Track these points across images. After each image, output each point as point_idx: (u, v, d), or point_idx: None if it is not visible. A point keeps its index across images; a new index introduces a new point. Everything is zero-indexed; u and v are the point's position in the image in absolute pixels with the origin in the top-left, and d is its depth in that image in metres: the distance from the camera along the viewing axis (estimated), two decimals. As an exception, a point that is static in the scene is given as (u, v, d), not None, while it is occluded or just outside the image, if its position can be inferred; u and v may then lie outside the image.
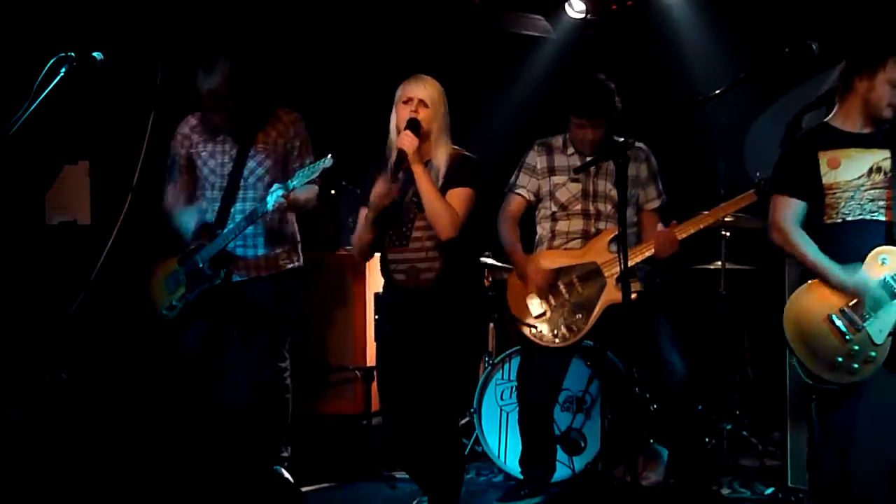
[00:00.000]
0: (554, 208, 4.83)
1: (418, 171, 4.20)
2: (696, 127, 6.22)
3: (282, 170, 4.78)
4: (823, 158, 4.10)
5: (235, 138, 4.77)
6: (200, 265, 4.69)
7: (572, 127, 4.76)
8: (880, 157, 4.08)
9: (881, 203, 4.04)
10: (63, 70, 3.86)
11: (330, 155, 4.31)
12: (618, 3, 6.93)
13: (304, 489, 5.03)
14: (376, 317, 4.98)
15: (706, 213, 4.76)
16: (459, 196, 4.27)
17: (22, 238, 5.85)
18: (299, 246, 4.97)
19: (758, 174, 4.64)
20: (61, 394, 5.35)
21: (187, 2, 5.93)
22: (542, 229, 4.91)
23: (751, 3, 6.41)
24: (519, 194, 4.90)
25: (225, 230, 4.68)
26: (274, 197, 4.45)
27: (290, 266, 4.88)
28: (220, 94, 4.59)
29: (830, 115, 4.21)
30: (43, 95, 3.81)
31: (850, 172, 4.07)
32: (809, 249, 4.06)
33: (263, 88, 4.81)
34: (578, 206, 4.78)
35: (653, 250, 4.66)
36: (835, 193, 4.08)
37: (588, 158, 4.73)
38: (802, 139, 4.25)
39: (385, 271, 4.41)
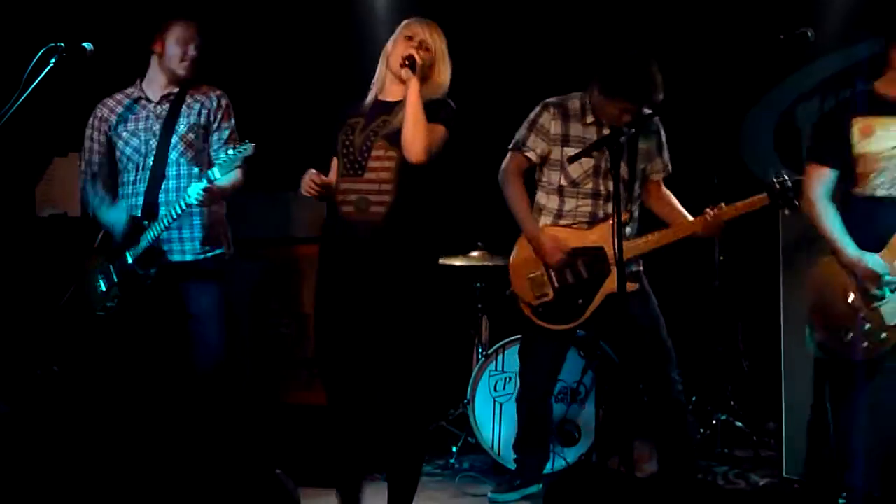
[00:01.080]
0: (563, 182, 4.66)
1: (414, 85, 3.94)
2: (690, 115, 6.20)
3: (201, 146, 4.60)
4: (857, 125, 3.97)
5: (159, 114, 4.57)
6: (130, 262, 4.48)
7: (614, 107, 4.52)
8: None
9: None
10: (53, 61, 3.83)
11: (250, 142, 4.15)
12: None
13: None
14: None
15: (755, 198, 4.57)
16: (434, 129, 4.01)
17: (12, 230, 5.83)
18: (228, 231, 4.74)
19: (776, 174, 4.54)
20: (53, 386, 5.33)
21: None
22: (547, 200, 4.72)
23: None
24: (527, 155, 4.69)
25: (153, 224, 4.43)
26: (197, 189, 4.25)
27: (217, 252, 4.65)
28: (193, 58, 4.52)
29: (878, 80, 4.06)
30: (33, 86, 3.78)
31: (883, 143, 3.93)
32: (831, 225, 3.99)
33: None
34: (590, 185, 4.63)
35: (699, 229, 4.59)
36: (866, 164, 3.95)
37: (606, 129, 4.58)
38: (839, 103, 4.16)
39: (331, 203, 4.10)
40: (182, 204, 4.30)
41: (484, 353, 5.73)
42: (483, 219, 4.87)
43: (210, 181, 4.24)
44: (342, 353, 4.08)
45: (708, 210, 4.59)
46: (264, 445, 5.06)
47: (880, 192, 3.96)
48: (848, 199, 4.04)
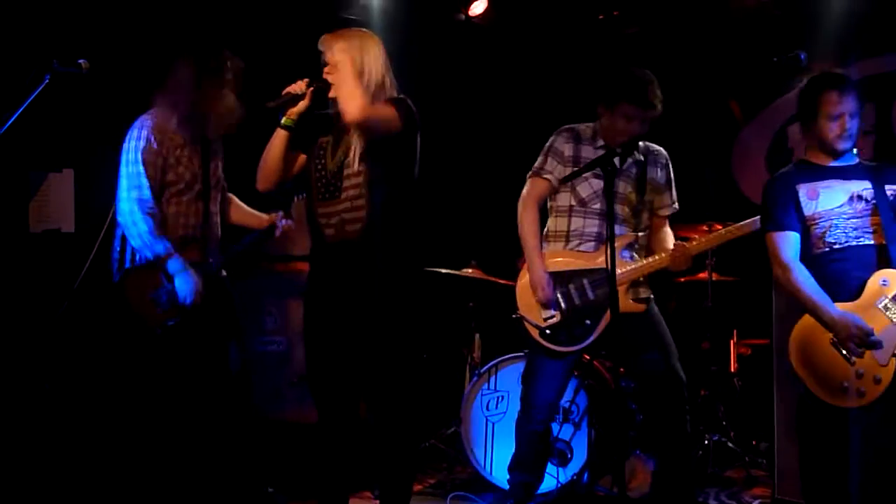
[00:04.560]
0: (573, 202, 4.67)
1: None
2: (684, 135, 6.22)
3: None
4: (802, 191, 4.17)
5: (202, 138, 4.59)
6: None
7: (619, 117, 4.56)
8: (860, 186, 4.13)
9: (867, 229, 4.08)
10: (47, 77, 3.84)
11: None
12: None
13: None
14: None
15: (722, 230, 4.68)
16: (382, 106, 4.06)
17: (5, 246, 5.81)
18: None
19: None
20: (45, 404, 5.32)
21: (171, 10, 5.91)
22: (556, 224, 4.73)
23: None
24: (547, 179, 4.69)
25: (240, 245, 4.63)
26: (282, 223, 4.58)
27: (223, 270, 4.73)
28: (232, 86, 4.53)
29: (808, 152, 4.30)
30: (27, 102, 3.78)
31: (830, 201, 4.12)
32: (806, 287, 4.07)
33: None
34: (598, 205, 4.63)
35: (668, 263, 4.62)
36: (818, 223, 4.12)
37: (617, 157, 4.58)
38: (781, 175, 4.31)
39: (314, 229, 4.20)
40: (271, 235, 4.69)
41: (477, 371, 5.73)
42: (477, 237, 4.86)
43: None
44: (331, 370, 4.17)
45: (676, 242, 4.65)
46: (257, 463, 5.04)
47: (837, 246, 4.09)
48: (809, 261, 4.14)
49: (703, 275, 5.96)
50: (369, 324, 4.05)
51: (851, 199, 4.11)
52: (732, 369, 6.14)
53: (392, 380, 4.11)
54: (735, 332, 6.14)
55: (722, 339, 6.11)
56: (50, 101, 3.88)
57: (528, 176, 4.78)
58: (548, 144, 4.76)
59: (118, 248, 4.55)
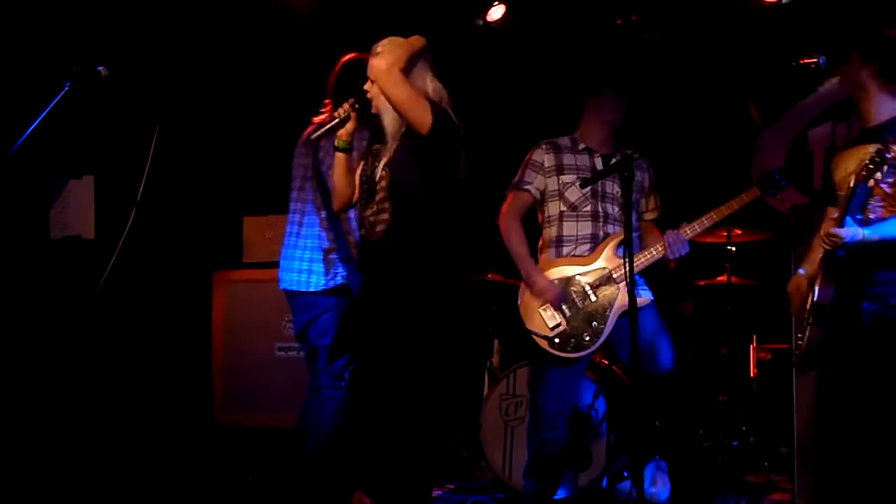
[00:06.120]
0: (563, 207, 4.68)
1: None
2: (704, 138, 6.21)
3: None
4: (832, 163, 4.10)
5: None
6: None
7: (608, 99, 4.67)
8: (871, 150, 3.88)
9: None
10: (67, 84, 3.86)
11: None
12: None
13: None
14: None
15: (712, 211, 4.69)
16: (423, 100, 4.17)
17: (26, 253, 5.86)
18: None
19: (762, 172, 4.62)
20: (64, 409, 5.35)
21: (190, 17, 5.94)
22: (549, 232, 4.75)
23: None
24: (527, 191, 4.73)
25: None
26: None
27: None
28: None
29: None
30: (47, 110, 3.80)
31: (840, 172, 4.02)
32: None
33: None
34: (588, 207, 4.66)
35: (663, 252, 4.62)
36: (836, 194, 4.05)
37: (597, 155, 4.69)
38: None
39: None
40: None
41: (495, 376, 5.73)
42: (496, 243, 4.86)
43: None
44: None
45: (668, 229, 4.66)
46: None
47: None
48: None
49: (721, 278, 5.95)
50: (380, 325, 4.14)
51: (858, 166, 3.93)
52: (752, 374, 6.12)
53: (398, 382, 4.16)
54: (754, 336, 6.12)
55: (741, 344, 6.10)
56: (70, 109, 3.91)
57: (507, 191, 4.81)
58: (526, 158, 4.80)
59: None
